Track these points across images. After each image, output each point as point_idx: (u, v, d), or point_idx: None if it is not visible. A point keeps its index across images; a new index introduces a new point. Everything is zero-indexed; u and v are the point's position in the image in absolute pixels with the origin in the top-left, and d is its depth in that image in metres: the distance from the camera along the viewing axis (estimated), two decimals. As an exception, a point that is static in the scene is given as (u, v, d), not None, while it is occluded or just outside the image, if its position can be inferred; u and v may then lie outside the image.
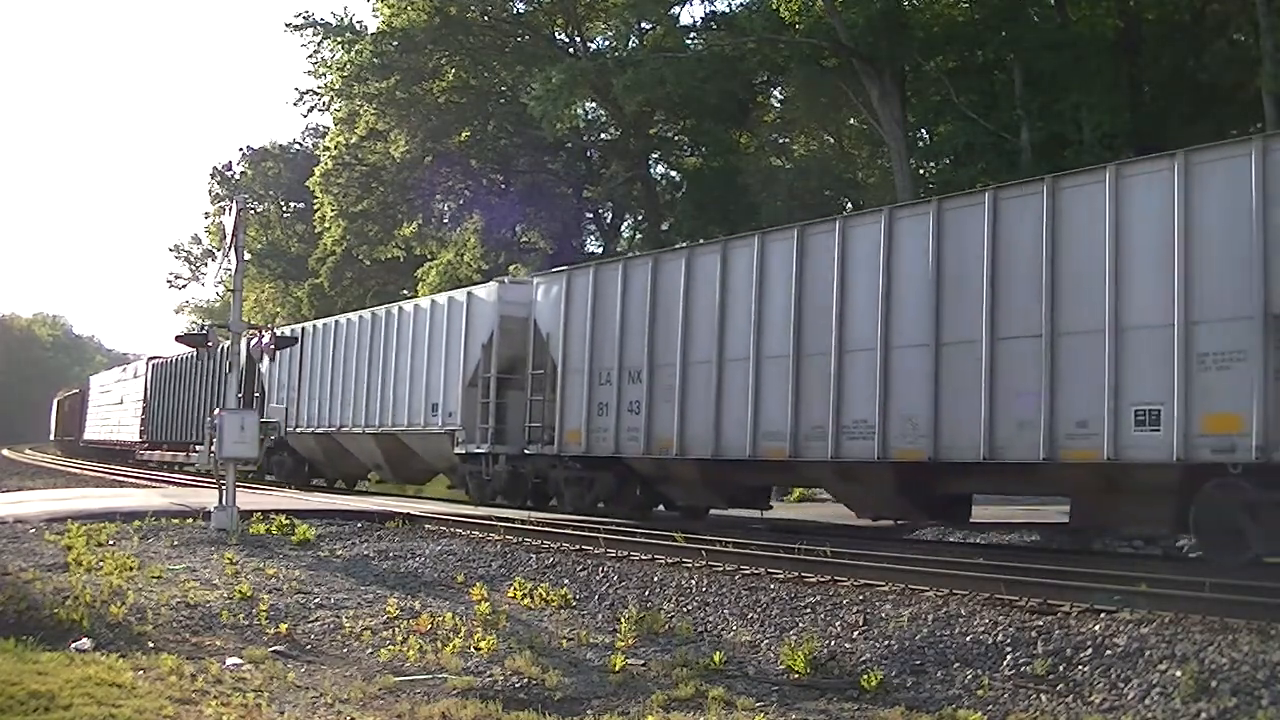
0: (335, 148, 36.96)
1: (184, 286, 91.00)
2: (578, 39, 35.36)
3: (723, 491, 15.67)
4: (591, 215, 39.88)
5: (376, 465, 22.61)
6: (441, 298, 21.11)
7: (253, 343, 15.89)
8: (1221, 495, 9.87)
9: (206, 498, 15.38)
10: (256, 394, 25.68)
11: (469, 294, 19.70)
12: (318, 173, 37.49)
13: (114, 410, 40.66)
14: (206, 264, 70.82)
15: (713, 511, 16.57)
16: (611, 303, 16.24)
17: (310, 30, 34.65)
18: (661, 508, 17.44)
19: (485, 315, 18.77)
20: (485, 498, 18.57)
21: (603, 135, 37.28)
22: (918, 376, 12.19)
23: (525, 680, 6.54)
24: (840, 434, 12.95)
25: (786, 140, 36.84)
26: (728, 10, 33.89)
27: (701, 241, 16.26)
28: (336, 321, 24.34)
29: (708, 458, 14.55)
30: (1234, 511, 9.77)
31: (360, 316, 23.44)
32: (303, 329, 24.65)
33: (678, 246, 17.58)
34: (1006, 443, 11.39)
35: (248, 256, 36.67)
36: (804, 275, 13.57)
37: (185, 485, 23.37)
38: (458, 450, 18.98)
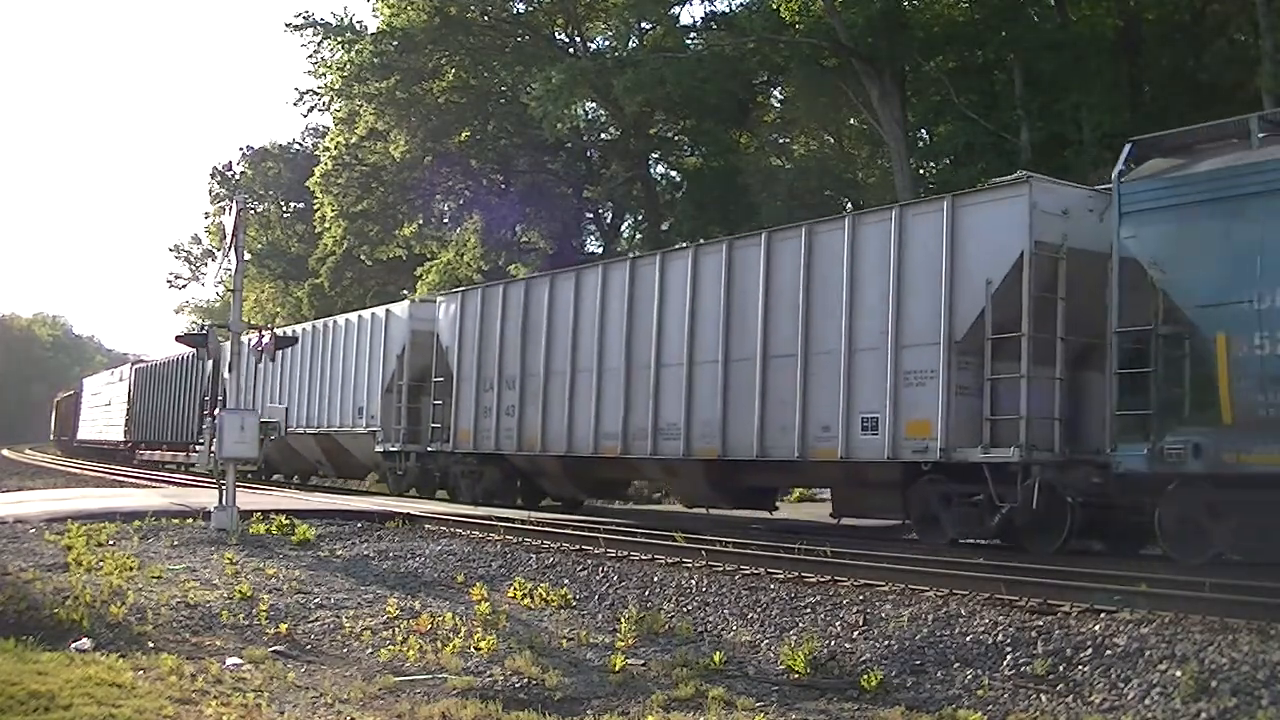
0: (335, 148, 36.94)
1: (184, 286, 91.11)
2: (578, 39, 35.35)
3: (583, 484, 18.58)
4: (591, 215, 39.87)
5: (319, 462, 24.69)
6: (367, 313, 23.74)
7: (253, 343, 15.94)
8: (927, 487, 12.17)
9: (206, 498, 15.38)
10: (220, 397, 26.15)
11: (387, 311, 22.42)
12: (318, 173, 37.46)
13: (103, 412, 42.90)
14: (206, 264, 70.84)
15: (714, 511, 16.65)
16: (494, 321, 18.80)
17: (310, 30, 34.62)
18: (579, 501, 19.68)
19: (399, 330, 21.55)
20: (402, 490, 21.16)
21: (603, 135, 37.25)
22: (712, 388, 14.61)
23: (525, 680, 6.55)
24: (658, 435, 15.42)
25: (786, 140, 36.82)
26: (728, 10, 33.91)
27: (565, 270, 18.84)
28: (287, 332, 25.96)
29: (564, 454, 17.06)
30: (933, 501, 12.16)
31: (303, 328, 26.11)
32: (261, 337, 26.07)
33: (545, 274, 20.02)
34: (773, 443, 13.78)
35: (248, 256, 36.99)
36: (633, 302, 16.14)
37: (185, 485, 23.39)
38: (378, 448, 21.55)
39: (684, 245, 17.09)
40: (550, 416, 17.27)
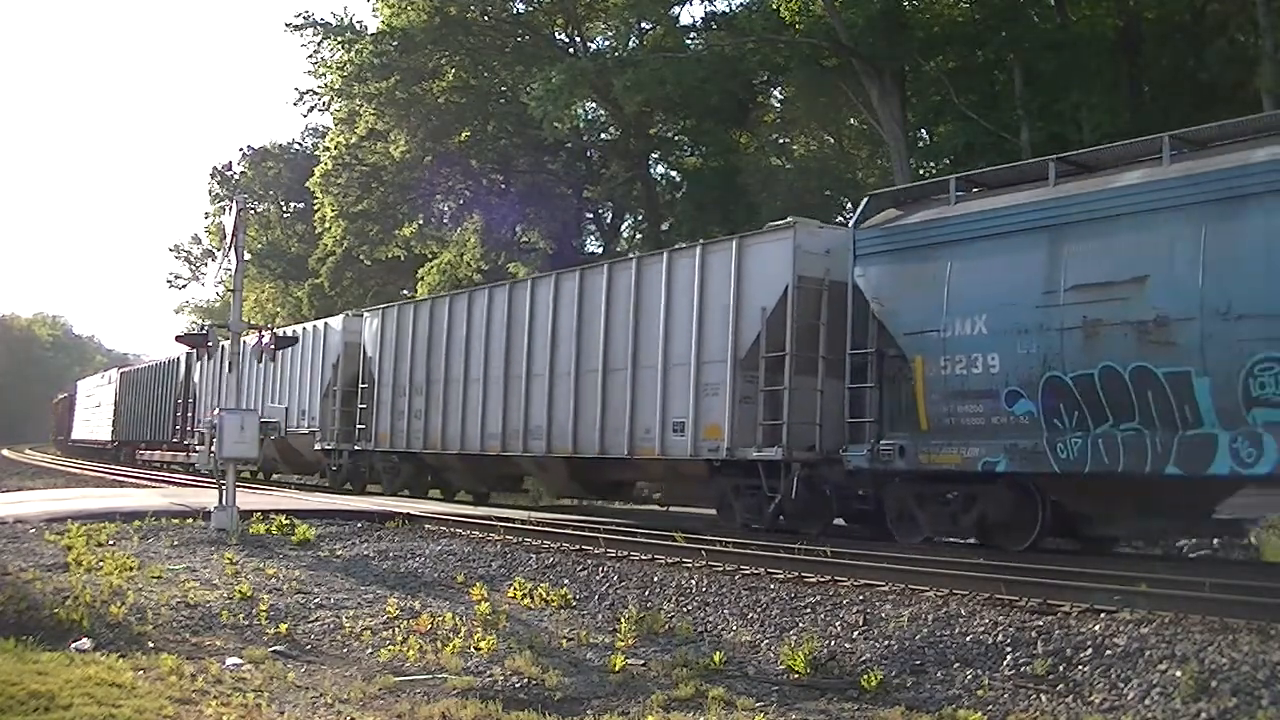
0: (335, 148, 36.90)
1: (184, 286, 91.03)
2: (578, 39, 35.33)
3: (481, 478, 20.91)
4: (591, 215, 39.86)
5: (273, 459, 26.49)
6: (310, 325, 26.36)
7: (253, 343, 15.99)
8: (722, 480, 14.42)
9: (206, 498, 15.38)
10: (191, 399, 32.10)
11: (325, 324, 25.17)
12: (318, 173, 37.42)
13: (94, 413, 45.74)
14: (206, 264, 70.77)
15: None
16: (406, 335, 21.22)
17: (310, 30, 34.57)
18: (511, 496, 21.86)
19: (334, 342, 24.06)
20: (338, 484, 23.49)
21: (603, 135, 37.23)
22: (567, 396, 16.77)
23: (525, 680, 6.55)
24: (528, 435, 17.61)
25: (786, 140, 36.80)
26: (728, 10, 33.87)
27: (460, 291, 22.00)
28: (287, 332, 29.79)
29: (460, 452, 19.33)
30: (727, 492, 14.40)
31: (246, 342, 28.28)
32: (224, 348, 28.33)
33: (445, 295, 22.81)
34: (611, 443, 15.94)
35: (248, 256, 37.01)
36: (510, 321, 18.37)
37: (185, 485, 23.43)
38: (317, 447, 23.94)
39: (549, 273, 19.43)
40: (449, 419, 19.63)
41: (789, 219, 14.47)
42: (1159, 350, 10.01)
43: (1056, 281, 10.87)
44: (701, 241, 15.55)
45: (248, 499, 15.19)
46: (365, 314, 23.62)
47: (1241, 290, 9.51)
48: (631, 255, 17.58)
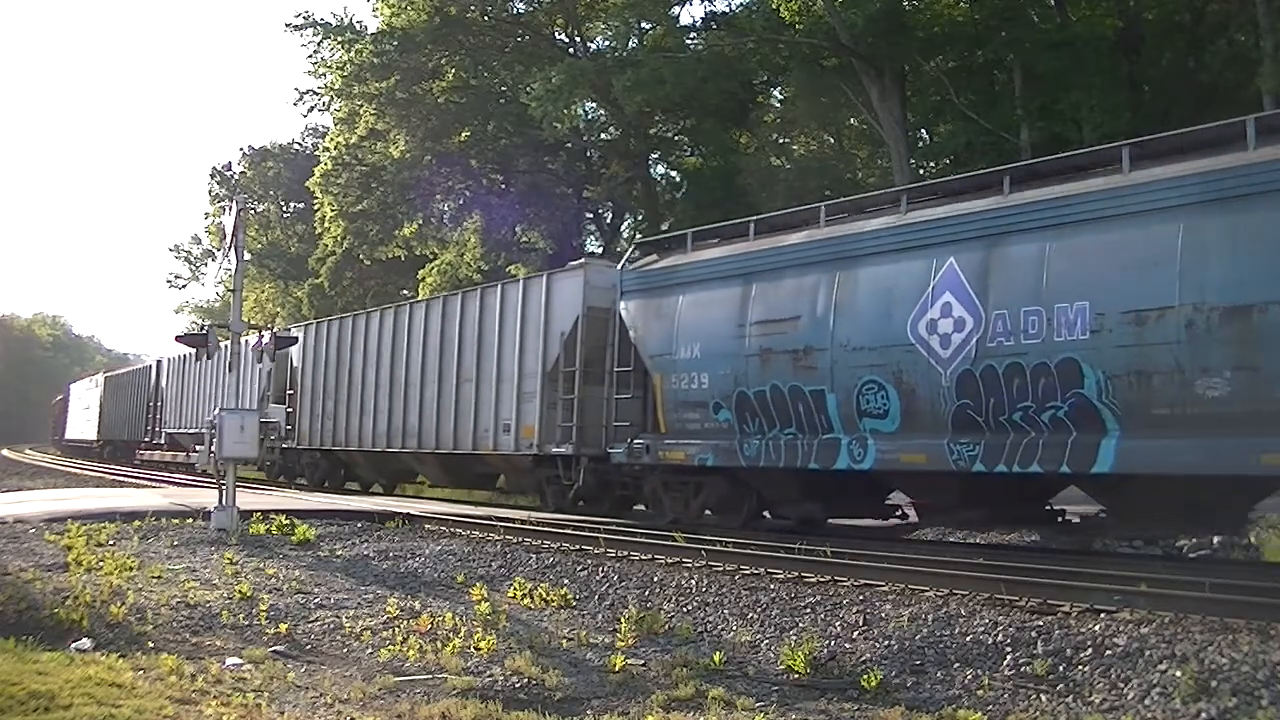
0: (335, 148, 36.92)
1: (184, 286, 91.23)
2: (578, 39, 35.34)
3: (381, 472, 23.76)
4: (591, 215, 39.87)
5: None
6: (245, 340, 29.58)
7: (253, 343, 16.01)
8: (538, 471, 17.55)
9: (206, 498, 15.38)
10: (159, 403, 36.40)
11: (260, 340, 29.19)
12: (318, 173, 37.44)
13: (83, 414, 49.25)
14: (206, 264, 70.80)
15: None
16: (323, 348, 24.55)
17: (310, 30, 34.59)
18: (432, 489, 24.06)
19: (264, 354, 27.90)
20: (273, 477, 26.71)
21: (603, 135, 37.23)
22: (434, 401, 19.97)
23: (525, 680, 6.54)
24: (406, 434, 20.73)
25: (786, 140, 36.81)
26: (728, 10, 33.91)
27: (361, 312, 25.28)
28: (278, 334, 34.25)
29: (360, 449, 22.48)
30: (542, 481, 17.63)
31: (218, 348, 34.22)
32: (184, 358, 34.06)
33: (351, 314, 25.83)
34: (462, 442, 19.09)
35: (248, 256, 37.29)
36: (395, 338, 21.60)
37: (185, 485, 23.45)
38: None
39: (428, 298, 23.47)
40: (351, 420, 22.78)
41: (583, 260, 18.10)
42: (806, 373, 12.95)
43: (745, 318, 13.80)
44: (524, 275, 19.89)
45: (248, 499, 15.19)
46: (293, 329, 27.82)
47: (856, 328, 12.46)
48: (478, 286, 21.17)
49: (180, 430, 33.10)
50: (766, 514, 15.08)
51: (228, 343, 26.22)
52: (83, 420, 48.71)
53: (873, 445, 12.21)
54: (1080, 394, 10.45)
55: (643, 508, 16.83)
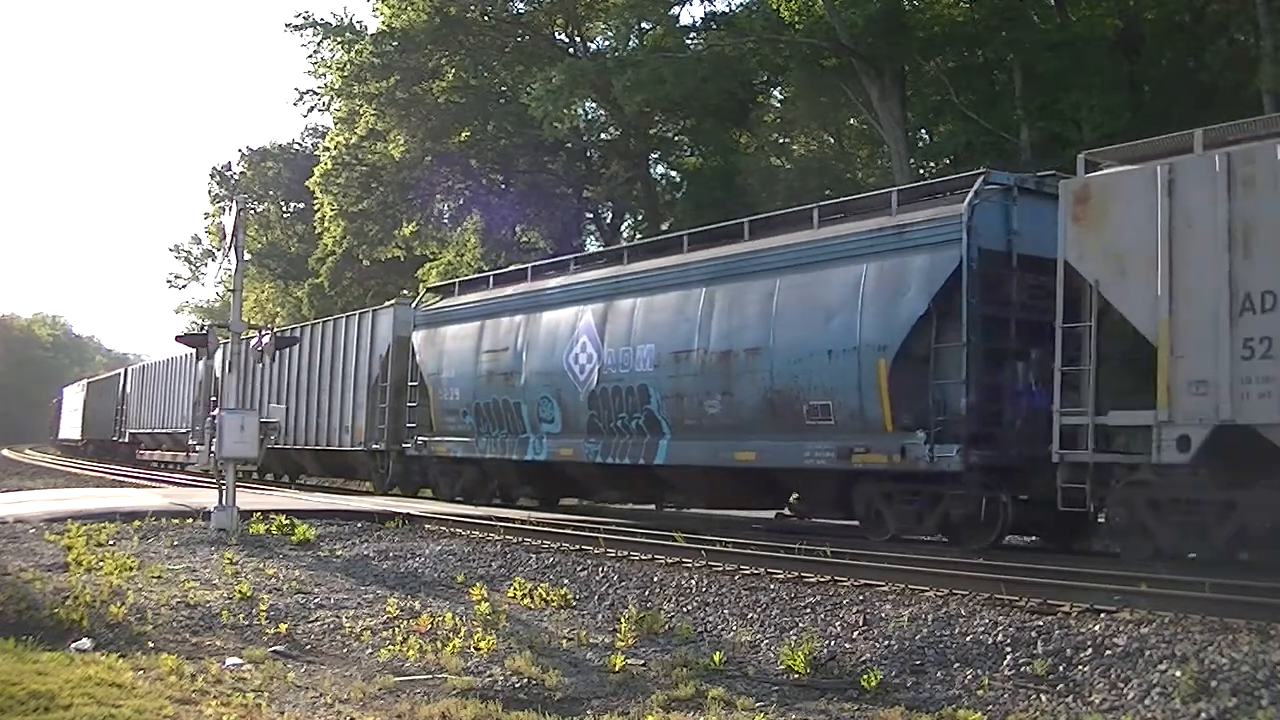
0: (335, 148, 36.88)
1: (184, 286, 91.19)
2: (578, 39, 35.31)
3: (298, 465, 27.11)
4: (591, 215, 39.83)
5: (161, 446, 35.90)
6: (180, 354, 35.80)
7: (253, 343, 16.04)
8: (370, 461, 22.20)
9: (206, 498, 15.38)
10: (125, 406, 41.35)
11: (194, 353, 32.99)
12: (317, 173, 37.40)
13: (72, 416, 53.80)
14: (206, 264, 70.74)
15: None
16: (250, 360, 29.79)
17: (310, 30, 34.56)
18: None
19: (201, 362, 32.02)
20: (201, 473, 32.30)
21: (603, 135, 37.20)
22: (315, 407, 24.28)
23: (525, 680, 6.55)
24: (296, 434, 24.32)
25: (786, 140, 36.77)
26: (728, 10, 33.86)
27: (296, 325, 30.15)
28: (156, 364, 40.19)
29: (295, 446, 25.01)
30: (374, 471, 22.49)
31: (157, 361, 40.15)
32: (143, 367, 40.73)
33: (289, 326, 31.84)
34: (323, 440, 23.80)
35: (248, 256, 37.79)
36: (300, 353, 24.64)
37: (185, 485, 23.47)
38: (192, 442, 34.39)
39: (315, 320, 27.81)
40: (288, 422, 25.09)
41: (395, 300, 24.51)
42: (511, 389, 17.47)
43: (480, 348, 18.41)
44: (372, 309, 24.01)
45: (248, 499, 15.19)
46: (226, 346, 30.91)
47: (537, 358, 17.04)
48: (341, 315, 26.44)
49: (139, 430, 39.35)
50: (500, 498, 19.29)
51: (189, 352, 31.96)
52: (71, 422, 53.48)
53: (546, 443, 16.92)
54: (649, 409, 14.99)
55: (429, 491, 20.87)
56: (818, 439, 12.80)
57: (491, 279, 19.79)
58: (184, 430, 31.39)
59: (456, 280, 21.66)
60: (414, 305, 21.28)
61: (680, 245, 15.72)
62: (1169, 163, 10.09)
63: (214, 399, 27.08)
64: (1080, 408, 10.48)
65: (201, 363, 29.58)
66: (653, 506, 17.97)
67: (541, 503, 19.10)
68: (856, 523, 13.12)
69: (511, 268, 21.37)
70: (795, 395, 13.07)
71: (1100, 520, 10.98)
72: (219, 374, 27.81)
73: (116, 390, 43.54)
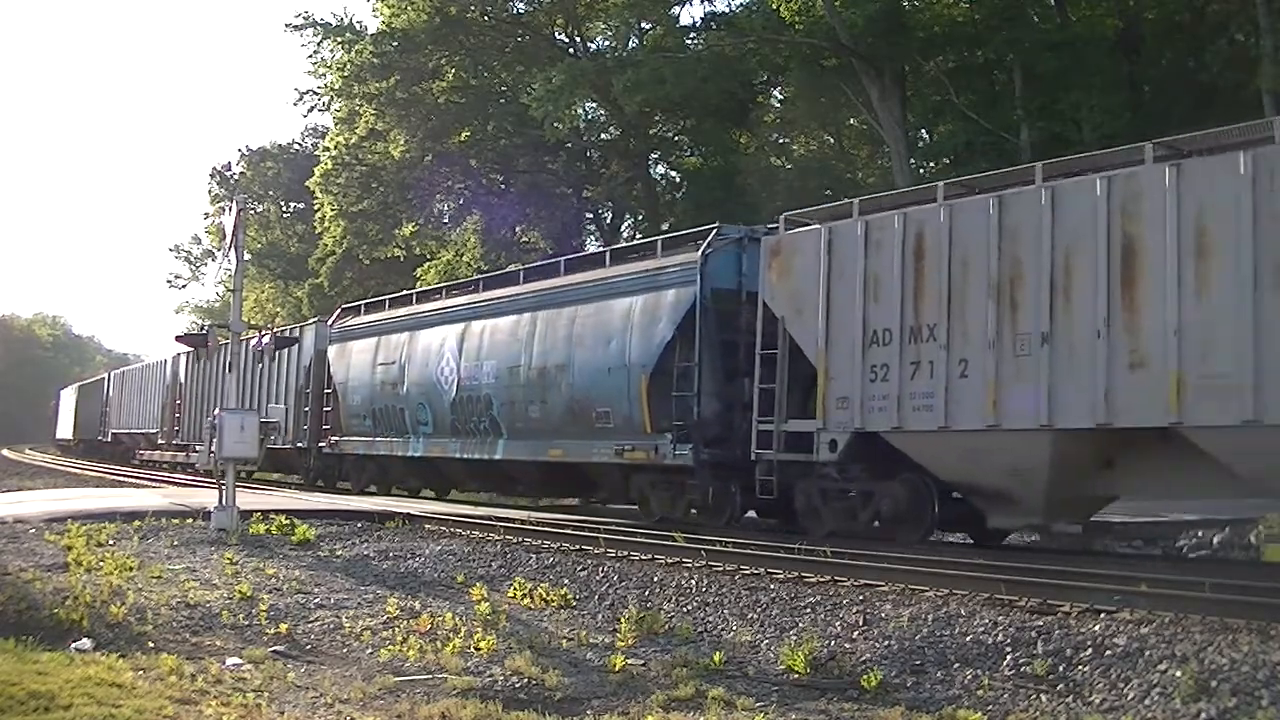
0: (335, 148, 36.91)
1: (184, 286, 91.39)
2: (578, 39, 35.34)
3: (270, 463, 27.45)
4: (591, 215, 39.84)
5: (138, 445, 39.05)
6: (156, 361, 39.80)
7: (253, 343, 16.08)
8: (321, 460, 23.55)
9: (206, 498, 15.38)
10: (107, 409, 44.95)
11: (164, 360, 36.77)
12: (317, 173, 37.43)
13: (67, 417, 56.54)
14: (206, 264, 70.80)
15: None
16: (197, 368, 31.49)
17: (310, 30, 34.65)
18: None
19: (166, 372, 35.87)
20: (173, 469, 33.81)
21: (603, 135, 37.22)
22: (261, 409, 23.80)
23: (525, 680, 6.54)
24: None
25: (786, 140, 36.80)
26: (728, 10, 33.91)
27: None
28: (133, 370, 44.76)
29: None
30: (297, 464, 24.49)
31: (134, 367, 46.02)
32: (123, 372, 45.03)
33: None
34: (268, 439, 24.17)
35: (248, 256, 38.15)
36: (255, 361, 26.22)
37: (184, 485, 23.48)
38: (160, 441, 35.81)
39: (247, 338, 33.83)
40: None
41: (318, 318, 26.07)
42: (397, 397, 20.36)
43: (375, 361, 21.10)
44: (300, 325, 26.04)
45: (248, 499, 15.19)
46: (183, 355, 34.48)
47: (415, 370, 19.93)
48: (285, 327, 29.20)
49: (120, 430, 42.44)
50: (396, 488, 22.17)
51: (161, 358, 37.14)
52: (66, 422, 56.51)
53: (423, 442, 19.82)
54: (491, 414, 17.85)
55: (347, 484, 23.04)
56: (602, 439, 15.64)
57: (388, 302, 22.69)
58: (154, 430, 36.06)
59: (363, 302, 24.33)
60: (330, 323, 23.82)
61: (518, 279, 19.22)
62: (829, 226, 12.90)
63: (178, 401, 31.94)
64: (771, 417, 13.13)
65: (164, 369, 35.08)
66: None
67: (437, 494, 21.61)
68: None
69: (403, 293, 23.84)
70: (588, 404, 15.90)
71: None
72: (183, 380, 33.15)
73: (101, 393, 47.12)
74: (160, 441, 35.31)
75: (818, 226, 13.09)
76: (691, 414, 14.23)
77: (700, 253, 14.43)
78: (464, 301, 19.70)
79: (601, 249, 20.66)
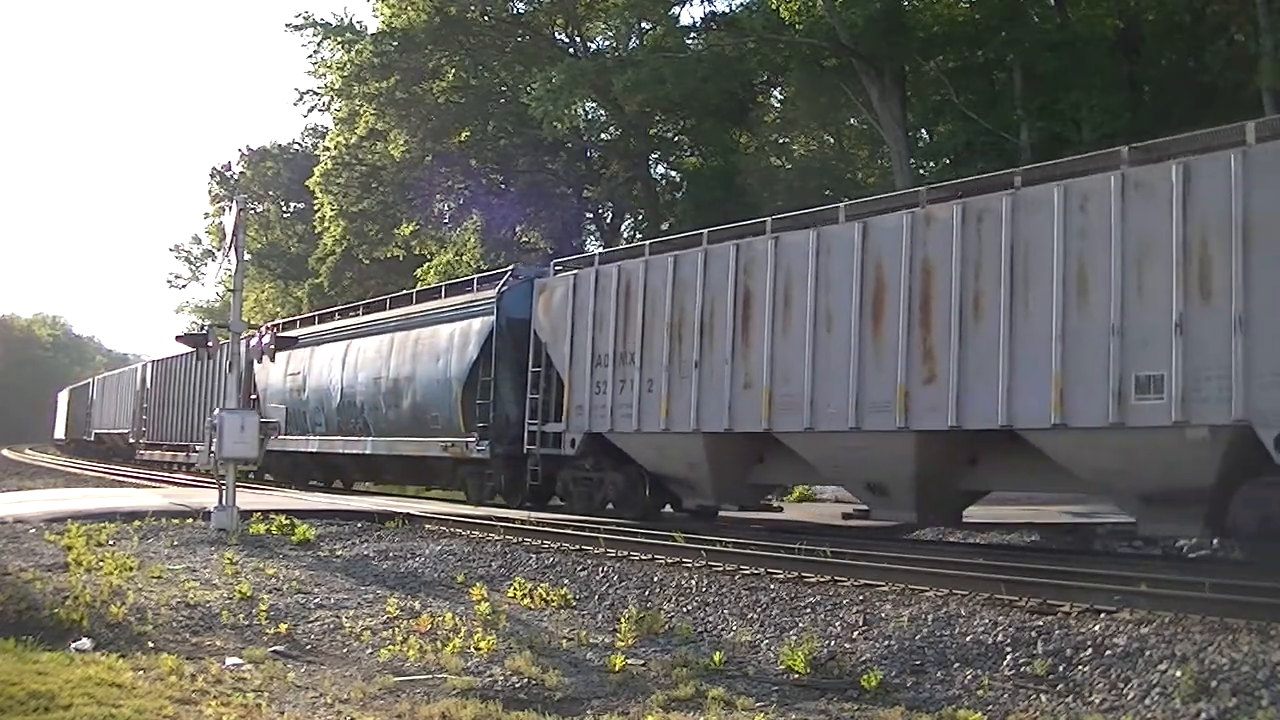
0: (335, 148, 36.89)
1: (184, 286, 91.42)
2: (578, 39, 35.32)
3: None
4: (591, 215, 39.81)
5: (126, 443, 41.34)
6: (129, 369, 44.30)
7: (253, 343, 16.09)
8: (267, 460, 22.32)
9: (206, 498, 15.38)
10: (90, 410, 49.28)
11: (140, 367, 40.85)
12: (317, 173, 37.41)
13: (61, 417, 60.07)
14: (206, 264, 70.73)
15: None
16: (162, 382, 35.90)
17: (310, 30, 34.59)
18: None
19: (137, 377, 39.47)
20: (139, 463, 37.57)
21: (603, 135, 37.19)
22: (198, 413, 28.66)
23: (525, 680, 6.54)
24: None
25: (786, 140, 36.78)
26: (728, 10, 33.85)
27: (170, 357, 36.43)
28: (111, 375, 49.25)
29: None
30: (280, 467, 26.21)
31: (111, 373, 50.53)
32: (103, 378, 49.91)
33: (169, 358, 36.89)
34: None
35: (248, 256, 38.34)
36: (201, 374, 30.98)
37: (184, 485, 23.48)
38: (131, 440, 39.66)
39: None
40: (184, 423, 32.89)
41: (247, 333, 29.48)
42: (302, 400, 23.61)
43: (287, 372, 24.52)
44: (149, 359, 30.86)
45: (248, 499, 15.19)
46: (149, 364, 39.14)
47: (315, 380, 23.80)
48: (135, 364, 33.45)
49: (101, 430, 45.92)
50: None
51: (135, 367, 41.37)
52: (60, 423, 60.08)
53: (320, 440, 23.46)
54: (363, 417, 21.84)
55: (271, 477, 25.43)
56: (434, 438, 19.53)
57: (299, 322, 26.64)
58: (126, 430, 40.19)
59: (281, 321, 28.22)
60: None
61: (385, 305, 23.24)
62: (574, 274, 17.08)
63: (145, 405, 35.90)
64: (536, 419, 17.23)
65: (137, 375, 39.04)
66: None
67: (345, 487, 24.87)
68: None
69: (311, 314, 27.46)
70: (425, 409, 19.90)
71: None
72: (149, 385, 37.15)
73: (87, 396, 51.09)
74: (131, 440, 39.20)
75: (569, 273, 17.24)
76: (489, 418, 18.00)
77: (497, 291, 18.41)
78: (349, 324, 23.96)
79: (439, 284, 24.33)
